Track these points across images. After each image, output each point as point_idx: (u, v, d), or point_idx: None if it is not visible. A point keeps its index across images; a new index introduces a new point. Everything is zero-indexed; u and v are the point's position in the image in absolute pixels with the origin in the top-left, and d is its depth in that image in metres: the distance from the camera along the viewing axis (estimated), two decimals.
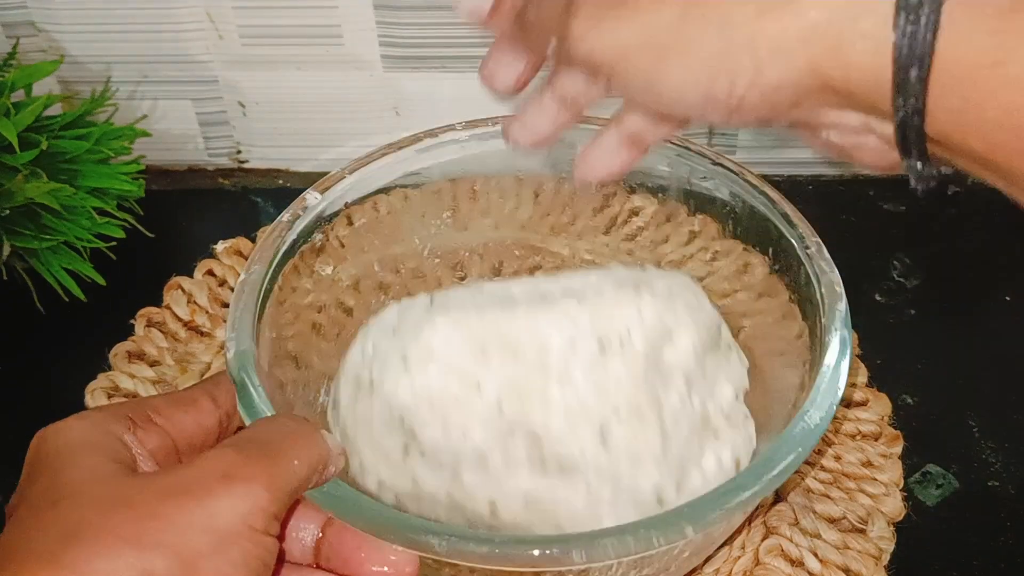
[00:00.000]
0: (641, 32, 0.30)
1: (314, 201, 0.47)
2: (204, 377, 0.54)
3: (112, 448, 0.32)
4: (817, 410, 0.37)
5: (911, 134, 0.27)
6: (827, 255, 0.43)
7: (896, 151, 0.29)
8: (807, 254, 0.43)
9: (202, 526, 0.28)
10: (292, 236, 0.46)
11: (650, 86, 0.30)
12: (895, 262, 0.60)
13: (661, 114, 0.34)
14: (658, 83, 0.30)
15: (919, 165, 0.28)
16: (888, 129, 0.28)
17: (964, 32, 0.25)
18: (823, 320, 0.41)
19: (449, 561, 0.34)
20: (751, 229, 0.47)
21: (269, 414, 0.38)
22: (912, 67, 0.26)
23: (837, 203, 0.64)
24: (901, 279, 0.59)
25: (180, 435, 0.35)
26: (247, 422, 0.38)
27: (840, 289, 0.41)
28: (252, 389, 0.38)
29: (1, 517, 0.32)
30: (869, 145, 0.31)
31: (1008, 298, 0.58)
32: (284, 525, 0.34)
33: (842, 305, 0.41)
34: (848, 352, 0.40)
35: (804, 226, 0.44)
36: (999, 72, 0.25)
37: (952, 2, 0.26)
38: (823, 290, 0.41)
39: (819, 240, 0.43)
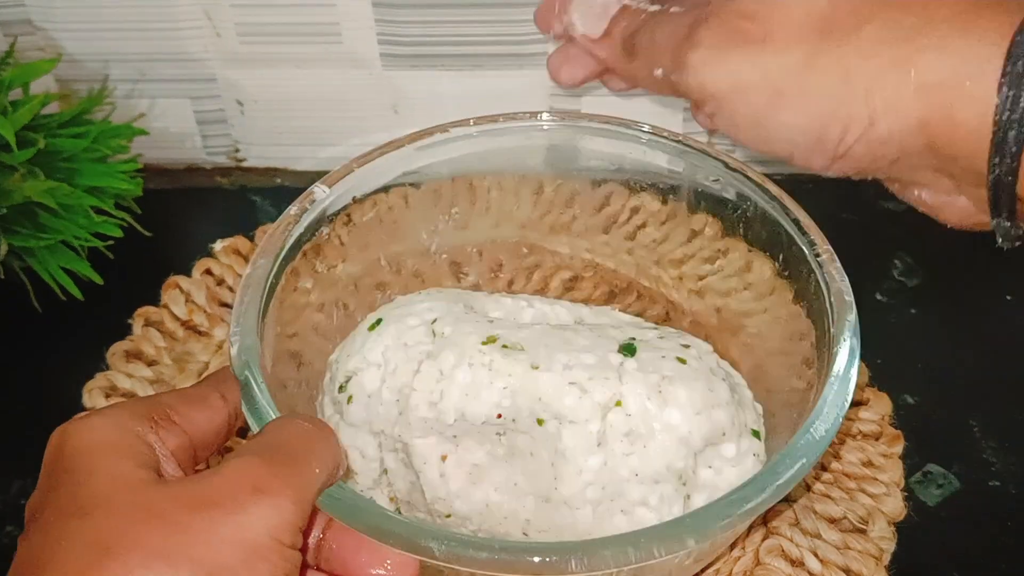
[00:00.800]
0: (762, 71, 0.31)
1: (322, 195, 0.47)
2: (204, 376, 0.54)
3: (138, 451, 0.31)
4: (823, 421, 0.37)
5: (1003, 194, 0.29)
6: (838, 264, 0.42)
7: (984, 213, 0.31)
8: (818, 261, 0.43)
9: (232, 540, 0.28)
10: (298, 231, 0.46)
11: (759, 125, 0.32)
12: (896, 261, 0.60)
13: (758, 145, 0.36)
14: (769, 123, 0.32)
15: (1008, 224, 0.30)
16: (979, 193, 0.30)
17: None
18: (832, 329, 0.40)
19: (448, 566, 0.34)
20: (760, 233, 0.47)
21: (272, 413, 0.38)
22: (1011, 129, 0.28)
23: (838, 202, 0.63)
24: (902, 279, 0.59)
25: (195, 433, 0.35)
26: (250, 421, 0.38)
27: (850, 299, 0.41)
28: (256, 387, 0.38)
29: (20, 516, 0.32)
30: (958, 205, 0.32)
31: (1009, 298, 0.58)
32: (305, 536, 0.34)
33: (852, 316, 0.40)
34: (856, 362, 0.39)
35: (815, 233, 0.44)
36: None
37: None
38: (832, 299, 0.41)
39: (830, 248, 0.43)
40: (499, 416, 0.40)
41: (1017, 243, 0.31)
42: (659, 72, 0.36)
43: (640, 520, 0.39)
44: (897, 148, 0.30)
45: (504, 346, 0.42)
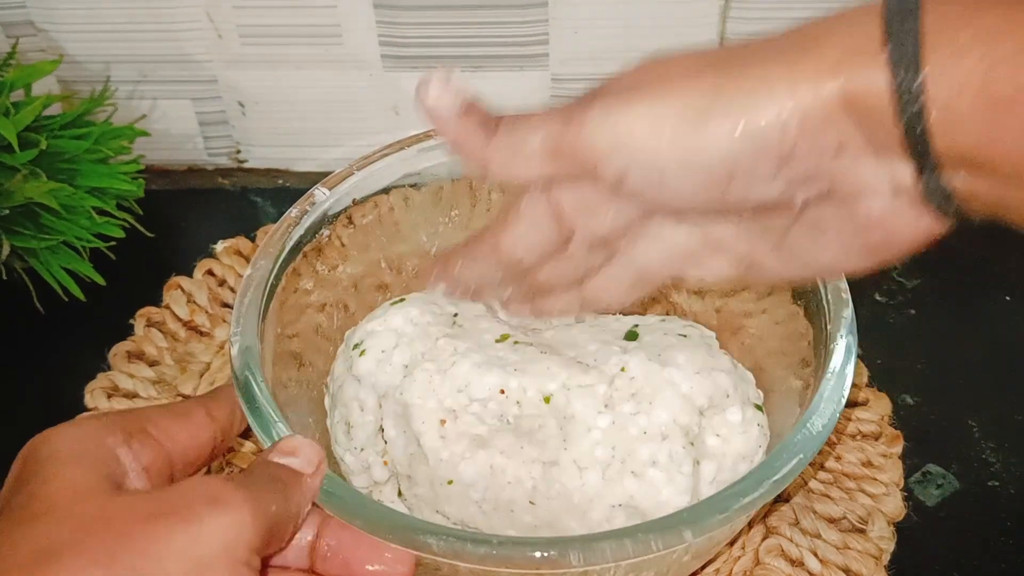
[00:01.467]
0: (677, 101, 0.30)
1: (322, 196, 0.47)
2: (203, 376, 0.54)
3: (103, 461, 0.31)
4: (820, 417, 0.37)
5: (918, 141, 0.28)
6: None
7: (923, 210, 0.31)
8: None
9: (181, 552, 0.27)
10: (299, 232, 0.46)
11: (689, 158, 0.31)
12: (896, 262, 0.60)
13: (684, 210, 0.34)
14: (699, 148, 0.30)
15: (937, 182, 0.29)
16: (907, 167, 0.30)
17: (946, 33, 0.27)
18: (829, 327, 0.41)
19: (447, 561, 0.34)
20: None
21: (273, 413, 0.38)
22: (906, 70, 0.28)
23: None
24: (901, 279, 0.59)
25: (175, 448, 0.34)
26: (251, 421, 0.38)
27: (847, 296, 0.41)
28: (256, 387, 0.38)
29: None
30: (902, 210, 0.31)
31: (1008, 298, 0.58)
32: (292, 539, 0.33)
33: (848, 312, 0.40)
34: (853, 359, 0.39)
35: None
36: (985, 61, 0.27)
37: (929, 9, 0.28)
38: (829, 296, 0.41)
39: None
40: (502, 392, 0.41)
41: (950, 204, 0.30)
42: (536, 142, 0.33)
43: (651, 482, 0.39)
44: (835, 133, 0.30)
45: (516, 342, 0.43)
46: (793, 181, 0.31)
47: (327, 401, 0.46)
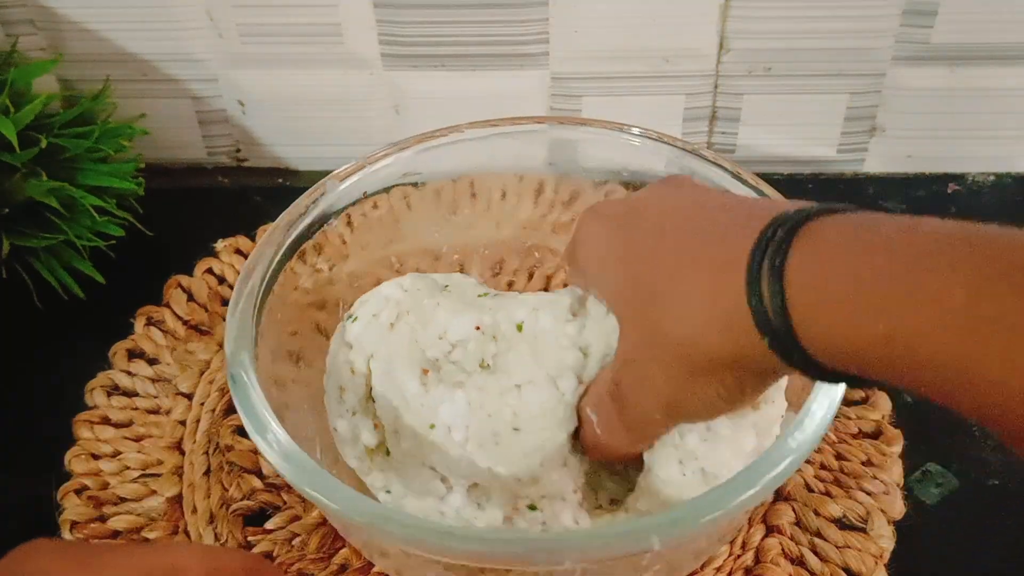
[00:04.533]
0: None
1: (322, 195, 0.47)
2: (203, 375, 0.54)
3: None
4: (811, 420, 0.37)
5: (785, 345, 0.30)
6: None
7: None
8: None
9: None
10: (299, 230, 0.46)
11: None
12: None
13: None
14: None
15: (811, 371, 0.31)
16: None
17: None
18: None
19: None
20: None
21: (265, 409, 0.38)
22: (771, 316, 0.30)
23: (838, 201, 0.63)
24: None
25: None
26: (243, 418, 0.38)
27: None
28: (249, 384, 0.38)
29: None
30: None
31: None
32: None
33: None
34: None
35: None
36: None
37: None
38: None
39: None
40: (478, 328, 0.42)
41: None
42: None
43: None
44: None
45: (495, 295, 0.45)
46: None
47: (325, 380, 0.46)
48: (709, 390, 0.33)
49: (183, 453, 0.51)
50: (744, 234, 0.31)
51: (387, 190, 0.50)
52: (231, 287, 0.58)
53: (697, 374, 0.33)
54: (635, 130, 0.50)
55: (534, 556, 0.34)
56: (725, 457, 0.39)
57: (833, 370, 0.29)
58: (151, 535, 0.47)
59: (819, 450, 0.50)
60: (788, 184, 0.47)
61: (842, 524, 0.47)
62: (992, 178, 0.67)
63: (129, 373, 0.54)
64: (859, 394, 0.53)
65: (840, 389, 0.38)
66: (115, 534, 0.47)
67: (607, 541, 0.34)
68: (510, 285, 0.56)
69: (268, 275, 0.44)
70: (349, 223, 0.49)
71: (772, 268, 0.29)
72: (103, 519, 0.47)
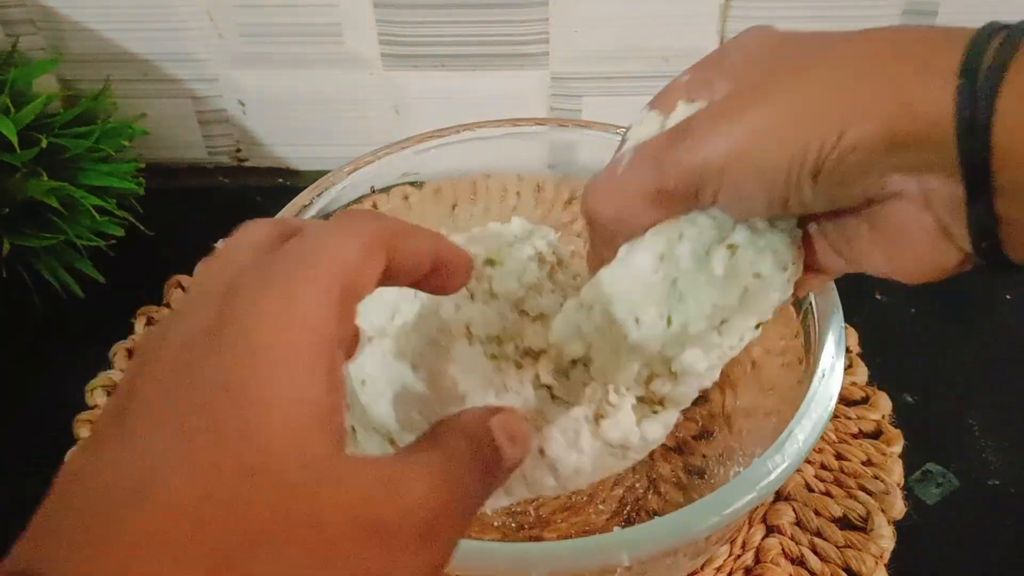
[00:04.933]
0: (740, 125, 0.31)
1: (321, 194, 0.47)
2: None
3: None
4: (802, 430, 0.36)
5: (978, 175, 0.28)
6: None
7: (948, 242, 0.30)
8: None
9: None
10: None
11: (758, 173, 0.31)
12: None
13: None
14: (760, 167, 0.30)
15: (987, 221, 0.29)
16: (953, 193, 0.29)
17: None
18: (817, 329, 0.41)
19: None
20: None
21: None
22: (979, 103, 0.27)
23: None
24: None
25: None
26: None
27: (833, 294, 0.41)
28: None
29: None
30: (925, 230, 0.31)
31: (1008, 297, 0.58)
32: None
33: (836, 314, 0.40)
34: (840, 366, 0.39)
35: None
36: None
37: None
38: (816, 297, 0.41)
39: None
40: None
41: (999, 260, 0.30)
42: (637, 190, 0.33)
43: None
44: (865, 155, 0.29)
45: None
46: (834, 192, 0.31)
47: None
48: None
49: None
50: (943, 44, 0.29)
51: (387, 190, 0.50)
52: None
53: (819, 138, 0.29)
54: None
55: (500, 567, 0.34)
56: (706, 295, 0.34)
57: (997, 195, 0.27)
58: None
59: (819, 450, 0.50)
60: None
61: (842, 524, 0.47)
62: None
63: None
64: (859, 394, 0.53)
65: (828, 413, 0.37)
66: None
67: (576, 555, 0.34)
68: None
69: None
70: None
71: (991, 69, 0.27)
72: None
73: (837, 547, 0.46)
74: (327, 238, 0.26)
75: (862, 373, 0.54)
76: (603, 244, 0.35)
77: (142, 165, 0.60)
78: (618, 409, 0.35)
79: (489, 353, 0.37)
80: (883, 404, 0.52)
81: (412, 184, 0.51)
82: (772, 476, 0.35)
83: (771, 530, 0.47)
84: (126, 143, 0.59)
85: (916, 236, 0.31)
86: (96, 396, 0.53)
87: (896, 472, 0.49)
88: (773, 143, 0.30)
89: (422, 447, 0.26)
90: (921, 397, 0.53)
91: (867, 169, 0.30)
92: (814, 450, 0.43)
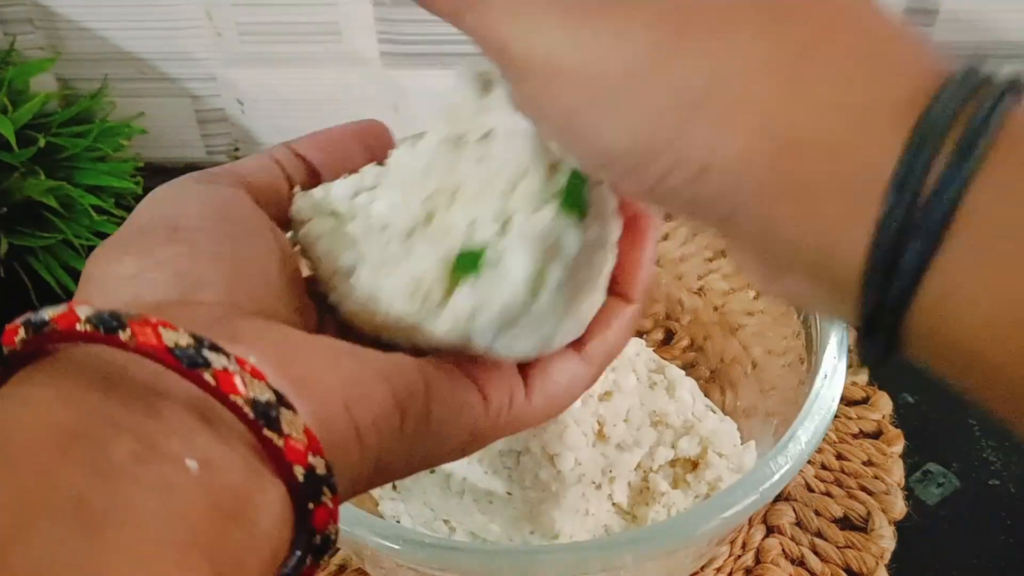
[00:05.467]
0: (592, 56, 0.22)
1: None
2: None
3: None
4: (804, 431, 0.36)
5: (880, 319, 0.21)
6: None
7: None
8: None
9: None
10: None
11: (568, 124, 0.23)
12: None
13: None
14: (579, 125, 0.23)
15: (880, 347, 0.22)
16: (839, 299, 0.21)
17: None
18: (818, 329, 0.40)
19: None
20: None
21: None
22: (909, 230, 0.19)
23: None
24: None
25: None
26: None
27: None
28: None
29: None
30: (798, 290, 0.23)
31: None
32: None
33: (838, 322, 0.40)
34: (842, 367, 0.39)
35: None
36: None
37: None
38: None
39: None
40: None
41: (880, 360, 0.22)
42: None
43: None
44: (729, 208, 0.21)
45: None
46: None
47: None
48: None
49: None
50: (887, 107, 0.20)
51: None
52: None
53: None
54: None
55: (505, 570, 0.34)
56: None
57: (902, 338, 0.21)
58: None
59: (820, 450, 0.50)
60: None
61: (843, 524, 0.47)
62: None
63: None
64: (860, 394, 0.53)
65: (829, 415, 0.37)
66: None
67: (579, 556, 0.34)
68: None
69: None
70: None
71: (931, 203, 0.18)
72: None
73: (837, 547, 0.46)
74: None
75: (863, 373, 0.54)
76: None
77: (140, 164, 0.60)
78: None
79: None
80: (884, 404, 0.52)
81: None
82: (775, 478, 0.34)
83: (771, 530, 0.47)
84: (124, 142, 0.59)
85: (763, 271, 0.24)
86: None
87: (897, 472, 0.49)
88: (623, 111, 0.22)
89: None
90: (922, 396, 0.53)
91: (730, 222, 0.22)
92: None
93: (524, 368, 0.28)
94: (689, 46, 0.21)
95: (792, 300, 0.25)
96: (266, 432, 0.20)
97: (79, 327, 0.20)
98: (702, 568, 0.45)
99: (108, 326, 0.20)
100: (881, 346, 0.21)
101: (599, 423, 0.42)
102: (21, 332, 0.22)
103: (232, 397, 0.20)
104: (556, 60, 0.22)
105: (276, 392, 0.21)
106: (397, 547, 0.33)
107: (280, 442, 0.20)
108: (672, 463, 0.43)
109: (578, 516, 0.41)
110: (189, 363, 0.20)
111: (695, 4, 0.21)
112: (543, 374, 0.28)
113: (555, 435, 0.40)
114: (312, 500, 0.21)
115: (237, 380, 0.20)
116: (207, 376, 0.20)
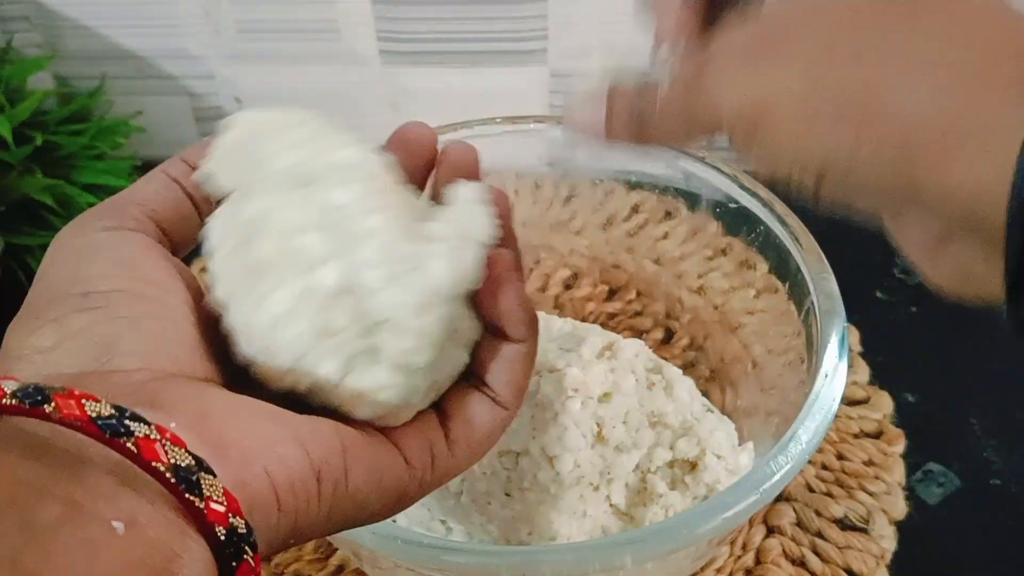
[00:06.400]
0: (775, 84, 0.26)
1: None
2: None
3: None
4: (805, 431, 0.36)
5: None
6: (826, 263, 0.42)
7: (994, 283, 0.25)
8: (804, 262, 0.42)
9: None
10: None
11: (773, 144, 0.27)
12: (897, 259, 0.60)
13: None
14: (776, 141, 0.27)
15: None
16: (991, 267, 0.25)
17: None
18: (819, 328, 0.40)
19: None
20: (751, 233, 0.47)
21: None
22: None
23: None
24: (902, 276, 0.59)
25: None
26: None
27: (837, 296, 0.41)
28: None
29: None
30: (958, 263, 0.27)
31: None
32: None
33: (839, 316, 0.40)
34: (843, 367, 0.38)
35: (802, 234, 0.44)
36: None
37: None
38: (819, 298, 0.41)
39: (817, 248, 0.43)
40: None
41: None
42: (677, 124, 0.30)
43: None
44: (907, 181, 0.25)
45: None
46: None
47: None
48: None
49: None
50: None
51: None
52: None
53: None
54: None
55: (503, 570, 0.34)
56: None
57: None
58: None
59: (820, 450, 0.50)
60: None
61: (843, 524, 0.47)
62: None
63: None
64: (861, 393, 0.52)
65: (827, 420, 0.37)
66: None
67: (580, 557, 0.34)
68: None
69: None
70: None
71: None
72: None
73: (838, 547, 0.46)
74: None
75: (863, 372, 0.53)
76: None
77: (138, 163, 0.60)
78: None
79: None
80: (884, 404, 0.52)
81: None
82: (775, 478, 0.34)
83: (772, 531, 0.47)
84: (122, 140, 0.59)
85: (944, 265, 0.27)
86: None
87: (897, 472, 0.49)
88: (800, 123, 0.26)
89: None
90: (923, 396, 0.53)
91: (881, 205, 0.27)
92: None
93: (443, 420, 0.29)
94: (841, 57, 0.26)
95: (955, 279, 0.28)
96: (187, 495, 0.21)
97: (4, 401, 0.21)
98: (702, 568, 0.45)
99: (33, 400, 0.21)
100: None
101: (598, 425, 0.41)
102: None
103: (154, 464, 0.21)
104: (756, 99, 0.27)
105: (196, 457, 0.21)
106: (395, 547, 0.33)
107: (201, 504, 0.21)
108: (670, 464, 0.43)
109: (575, 518, 0.41)
110: (112, 433, 0.21)
111: (842, 16, 0.26)
112: (464, 423, 0.29)
113: (555, 437, 0.40)
114: (234, 559, 0.22)
115: (158, 448, 0.21)
116: (129, 445, 0.21)
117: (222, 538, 0.22)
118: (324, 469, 0.25)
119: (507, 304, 0.29)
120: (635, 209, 0.54)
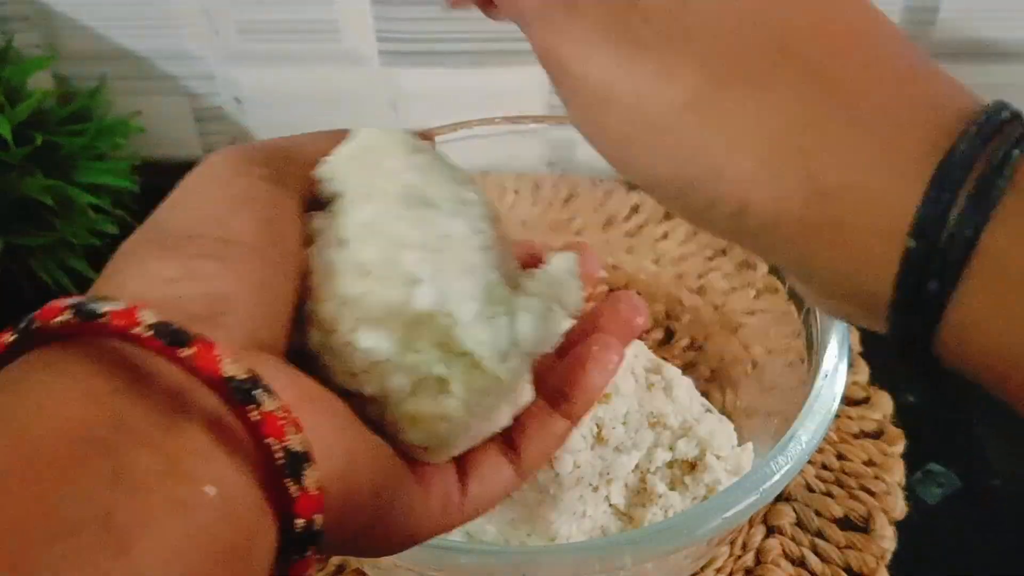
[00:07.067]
0: (641, 90, 0.23)
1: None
2: None
3: None
4: (805, 431, 0.36)
5: (909, 348, 0.22)
6: None
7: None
8: None
9: None
10: None
11: (619, 150, 0.25)
12: None
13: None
14: (628, 153, 0.25)
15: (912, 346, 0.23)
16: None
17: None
18: (819, 328, 0.40)
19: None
20: None
21: None
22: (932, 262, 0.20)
23: None
24: None
25: None
26: None
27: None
28: None
29: None
30: (841, 311, 0.24)
31: None
32: None
33: (839, 321, 0.40)
34: (843, 367, 0.38)
35: None
36: None
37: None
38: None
39: None
40: None
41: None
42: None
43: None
44: (768, 243, 0.23)
45: None
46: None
47: None
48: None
49: None
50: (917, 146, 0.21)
51: None
52: None
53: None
54: None
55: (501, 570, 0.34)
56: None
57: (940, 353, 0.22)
58: None
59: (820, 450, 0.50)
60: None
61: (843, 524, 0.47)
62: None
63: None
64: (861, 393, 0.52)
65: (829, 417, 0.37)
66: None
67: (579, 557, 0.34)
68: None
69: None
70: None
71: (952, 238, 0.20)
72: None
73: (838, 547, 0.46)
74: None
75: (863, 372, 0.53)
76: None
77: (138, 163, 0.60)
78: None
79: None
80: (884, 404, 0.52)
81: None
82: (775, 478, 0.34)
83: (772, 531, 0.47)
84: (121, 140, 0.59)
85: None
86: None
87: (897, 472, 0.49)
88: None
89: None
90: (923, 397, 0.53)
91: (772, 252, 0.24)
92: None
93: (461, 474, 0.28)
94: (729, 96, 0.22)
95: (839, 316, 0.25)
96: (288, 482, 0.20)
97: (139, 331, 0.20)
98: (702, 568, 0.45)
99: (174, 339, 0.20)
100: (919, 363, 0.23)
101: (598, 425, 0.41)
102: (65, 315, 0.21)
103: (271, 441, 0.20)
104: (608, 87, 0.24)
105: (307, 447, 0.21)
106: None
107: (297, 493, 0.20)
108: (670, 465, 0.43)
109: (575, 518, 0.41)
110: (242, 399, 0.20)
111: (739, 53, 0.23)
112: (480, 483, 0.28)
113: None
114: (298, 553, 0.21)
115: (283, 426, 0.20)
116: (254, 416, 0.20)
117: (299, 530, 0.21)
118: (381, 492, 0.24)
119: (595, 384, 0.29)
120: (635, 209, 0.54)
